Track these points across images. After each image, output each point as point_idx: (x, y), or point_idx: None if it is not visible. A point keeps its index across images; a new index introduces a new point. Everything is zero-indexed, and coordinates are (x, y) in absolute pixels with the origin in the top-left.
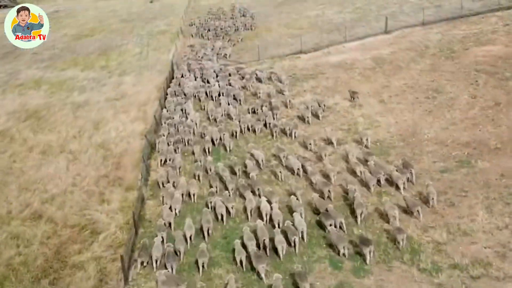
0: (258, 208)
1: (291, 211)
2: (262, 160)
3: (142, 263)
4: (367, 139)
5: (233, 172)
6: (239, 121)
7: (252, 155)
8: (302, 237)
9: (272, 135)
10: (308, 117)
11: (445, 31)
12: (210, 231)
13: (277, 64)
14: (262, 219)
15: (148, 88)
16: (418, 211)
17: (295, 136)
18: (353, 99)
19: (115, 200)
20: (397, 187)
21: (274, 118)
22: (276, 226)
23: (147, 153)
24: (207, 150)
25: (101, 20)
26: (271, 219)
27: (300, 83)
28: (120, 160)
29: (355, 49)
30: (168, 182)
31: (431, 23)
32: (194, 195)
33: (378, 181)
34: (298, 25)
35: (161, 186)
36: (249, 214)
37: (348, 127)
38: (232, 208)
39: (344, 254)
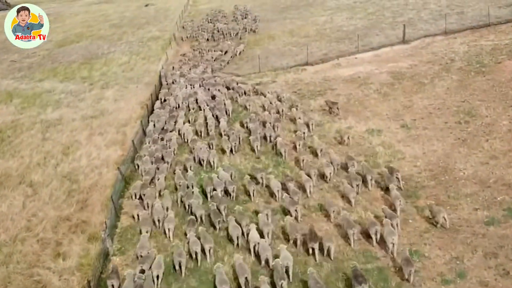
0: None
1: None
2: (227, 181)
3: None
4: (348, 137)
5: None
6: (228, 138)
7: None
8: (287, 274)
9: (276, 151)
10: (304, 132)
11: (471, 41)
12: (183, 268)
13: (280, 77)
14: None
15: (131, 105)
16: (397, 224)
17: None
18: (331, 110)
19: (73, 253)
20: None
21: (274, 132)
22: (263, 263)
23: (119, 190)
24: (188, 168)
25: (90, 25)
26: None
27: (306, 101)
28: (87, 197)
29: (369, 61)
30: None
31: (454, 31)
32: (167, 208)
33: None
34: (304, 32)
35: (132, 198)
36: (235, 241)
37: (364, 158)
38: (209, 250)
39: None
